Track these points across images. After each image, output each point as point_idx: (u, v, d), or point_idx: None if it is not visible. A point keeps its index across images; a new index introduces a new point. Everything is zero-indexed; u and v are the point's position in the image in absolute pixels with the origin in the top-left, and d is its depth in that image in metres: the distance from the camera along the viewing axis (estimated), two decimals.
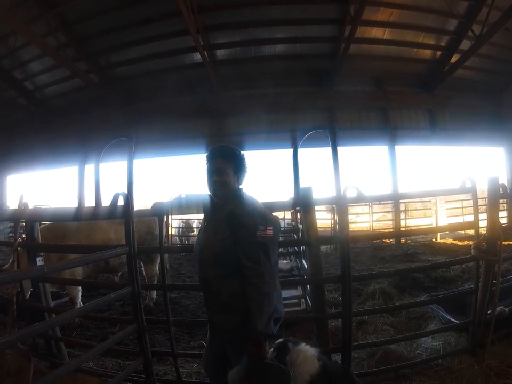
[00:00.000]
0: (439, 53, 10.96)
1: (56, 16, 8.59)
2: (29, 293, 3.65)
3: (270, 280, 1.66)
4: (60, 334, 3.25)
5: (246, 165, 1.94)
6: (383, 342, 3.11)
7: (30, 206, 2.80)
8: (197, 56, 10.13)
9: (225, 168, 1.85)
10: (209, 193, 1.90)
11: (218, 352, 1.94)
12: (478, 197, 3.04)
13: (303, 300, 4.52)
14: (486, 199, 2.91)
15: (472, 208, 3.13)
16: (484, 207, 3.31)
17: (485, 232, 2.84)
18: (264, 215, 1.77)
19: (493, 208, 2.84)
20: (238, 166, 1.89)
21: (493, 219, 2.83)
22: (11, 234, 12.35)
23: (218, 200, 1.88)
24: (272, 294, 1.67)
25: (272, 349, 2.00)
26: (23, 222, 3.15)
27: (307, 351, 2.10)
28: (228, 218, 1.75)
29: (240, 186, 1.92)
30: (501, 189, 2.85)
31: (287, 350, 2.04)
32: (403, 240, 10.80)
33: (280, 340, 2.08)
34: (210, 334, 2.01)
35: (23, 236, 3.50)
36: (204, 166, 1.92)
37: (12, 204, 13.77)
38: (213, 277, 1.80)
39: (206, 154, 1.92)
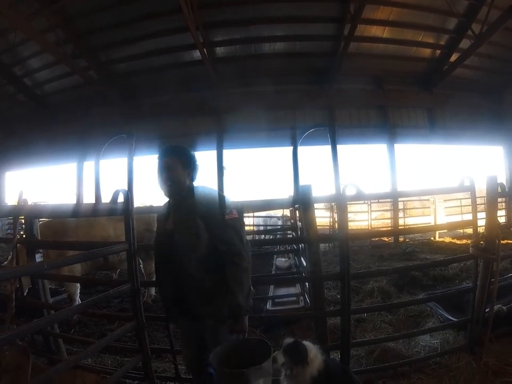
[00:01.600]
0: (438, 51, 10.96)
1: (56, 12, 8.53)
2: (27, 290, 3.66)
3: (246, 257, 1.82)
4: (58, 331, 3.25)
5: (197, 163, 1.99)
6: (382, 340, 3.13)
7: (29, 203, 2.79)
8: (196, 54, 10.12)
9: (175, 166, 1.90)
10: (162, 191, 1.93)
11: (200, 346, 1.97)
12: (477, 196, 3.04)
13: (301, 298, 4.53)
14: (485, 198, 2.91)
15: (470, 207, 3.13)
16: (483, 206, 3.32)
17: (484, 230, 2.85)
18: (226, 200, 1.88)
19: (491, 207, 2.85)
20: (188, 163, 1.94)
21: (491, 218, 2.83)
22: (9, 231, 12.32)
23: (172, 198, 1.93)
24: (250, 270, 1.83)
25: (284, 348, 1.98)
26: (22, 218, 3.14)
27: (313, 347, 2.10)
28: (198, 211, 1.82)
29: (194, 183, 1.98)
30: (499, 188, 2.85)
31: (306, 349, 2.00)
32: (402, 239, 10.79)
33: (289, 339, 2.03)
34: (189, 331, 2.01)
35: (22, 232, 3.49)
36: (155, 166, 1.95)
37: (10, 201, 13.72)
38: (195, 271, 1.81)
39: (158, 154, 1.95)
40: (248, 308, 1.80)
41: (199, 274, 1.81)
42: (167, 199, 2.03)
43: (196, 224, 1.80)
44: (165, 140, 11.59)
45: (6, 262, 4.16)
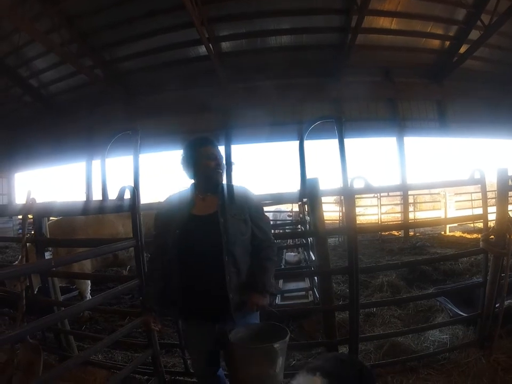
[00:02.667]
0: (447, 43, 10.75)
1: (59, 12, 8.59)
2: (37, 289, 3.71)
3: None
4: (69, 328, 3.30)
5: None
6: (391, 335, 3.11)
7: (38, 202, 2.81)
8: (202, 49, 10.11)
9: (221, 155, 2.00)
10: (203, 179, 1.95)
11: (212, 351, 1.92)
12: (488, 190, 3.00)
13: (310, 292, 4.52)
14: (495, 191, 2.86)
15: (481, 200, 3.08)
16: (494, 199, 3.27)
17: (494, 224, 2.81)
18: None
19: (502, 200, 2.80)
20: None
21: (502, 211, 2.78)
22: (20, 230, 12.51)
23: (216, 185, 1.97)
24: None
25: None
26: (31, 217, 3.17)
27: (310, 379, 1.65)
28: (244, 201, 1.96)
29: None
30: (510, 181, 2.80)
31: None
32: (412, 233, 10.72)
33: None
34: (202, 333, 1.91)
35: (32, 231, 3.53)
36: (191, 154, 1.94)
37: (20, 201, 13.92)
38: (240, 256, 1.90)
39: (192, 142, 1.98)
40: (274, 288, 1.99)
41: (242, 260, 1.90)
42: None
43: (240, 212, 1.93)
44: (171, 137, 11.60)
45: (17, 262, 4.23)
